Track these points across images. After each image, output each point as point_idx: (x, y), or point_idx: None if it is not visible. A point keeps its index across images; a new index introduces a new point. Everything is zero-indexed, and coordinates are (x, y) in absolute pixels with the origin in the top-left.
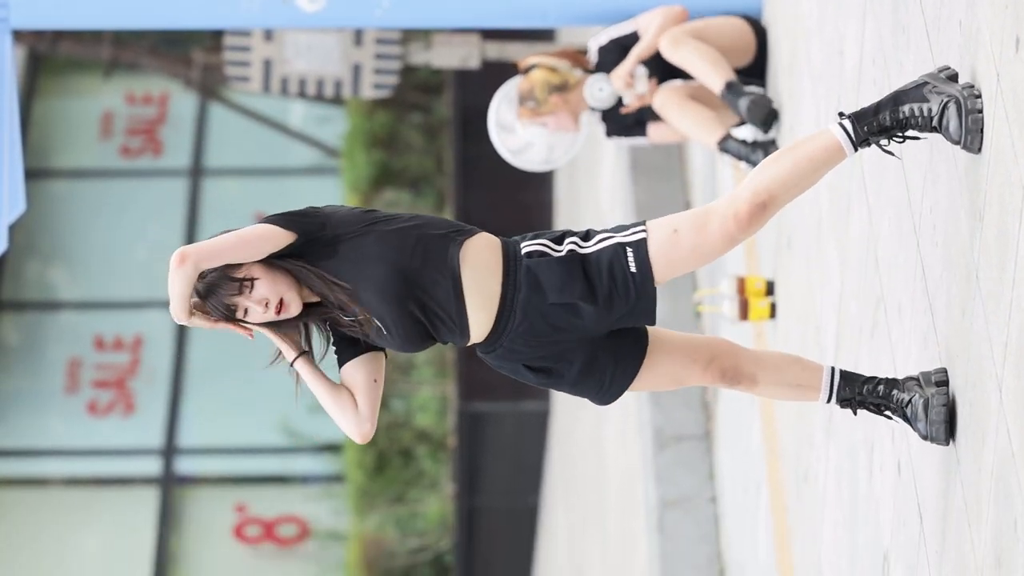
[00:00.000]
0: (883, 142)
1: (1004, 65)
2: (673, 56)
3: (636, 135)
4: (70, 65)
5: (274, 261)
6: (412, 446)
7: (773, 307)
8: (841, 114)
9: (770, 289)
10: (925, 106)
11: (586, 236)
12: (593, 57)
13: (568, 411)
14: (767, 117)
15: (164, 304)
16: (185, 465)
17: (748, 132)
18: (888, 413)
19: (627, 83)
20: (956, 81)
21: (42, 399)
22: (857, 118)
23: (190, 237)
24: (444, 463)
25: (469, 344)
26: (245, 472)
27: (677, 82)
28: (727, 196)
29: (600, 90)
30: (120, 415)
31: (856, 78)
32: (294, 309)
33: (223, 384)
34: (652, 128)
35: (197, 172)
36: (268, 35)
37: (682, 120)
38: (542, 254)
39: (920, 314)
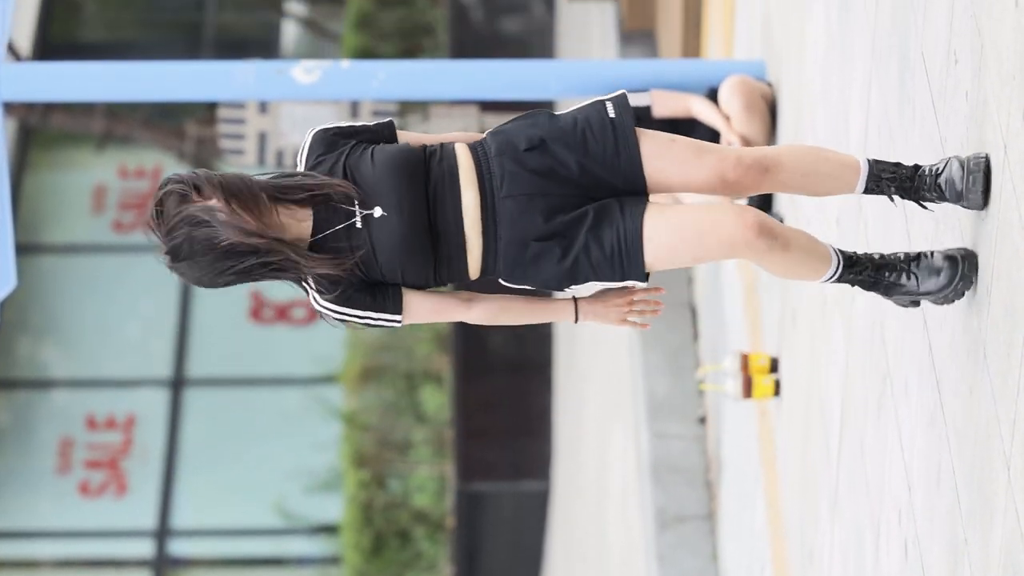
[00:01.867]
0: (892, 190)
1: (1012, 137)
2: (745, 123)
3: None
4: (62, 138)
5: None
6: (410, 527)
7: (777, 384)
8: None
9: (774, 366)
10: (932, 167)
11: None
12: None
13: (569, 491)
14: None
15: (157, 382)
16: (179, 547)
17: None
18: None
19: None
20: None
21: (33, 479)
22: (877, 161)
23: (184, 313)
24: (442, 544)
25: (473, 261)
26: (240, 554)
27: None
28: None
29: None
30: (112, 496)
31: (862, 149)
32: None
33: (217, 464)
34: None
35: None
36: (263, 107)
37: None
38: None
39: (927, 391)
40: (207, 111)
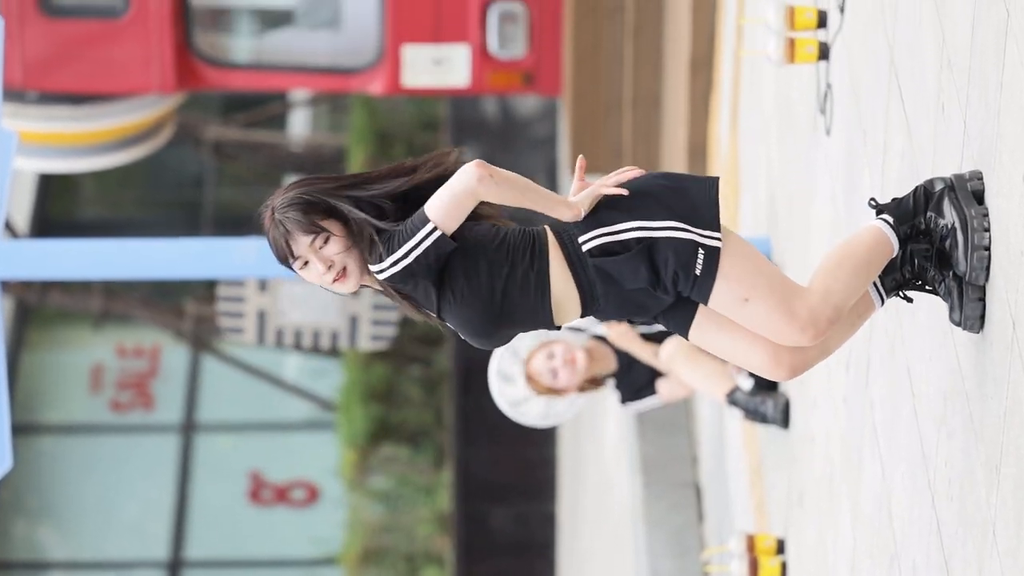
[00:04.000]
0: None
1: (1019, 312)
2: (687, 370)
3: (647, 395)
4: (59, 317)
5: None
6: None
7: (784, 566)
8: (876, 207)
9: (780, 547)
10: (941, 221)
11: (651, 213)
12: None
13: None
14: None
15: (154, 564)
16: None
17: (750, 382)
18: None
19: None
20: (980, 202)
21: None
22: (896, 219)
23: (182, 495)
24: None
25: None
26: None
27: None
28: (809, 300)
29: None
30: None
31: (868, 331)
32: (351, 284)
33: None
34: (661, 384)
35: (189, 427)
36: (262, 286)
37: (692, 374)
38: (605, 250)
39: (935, 571)
40: (206, 289)
